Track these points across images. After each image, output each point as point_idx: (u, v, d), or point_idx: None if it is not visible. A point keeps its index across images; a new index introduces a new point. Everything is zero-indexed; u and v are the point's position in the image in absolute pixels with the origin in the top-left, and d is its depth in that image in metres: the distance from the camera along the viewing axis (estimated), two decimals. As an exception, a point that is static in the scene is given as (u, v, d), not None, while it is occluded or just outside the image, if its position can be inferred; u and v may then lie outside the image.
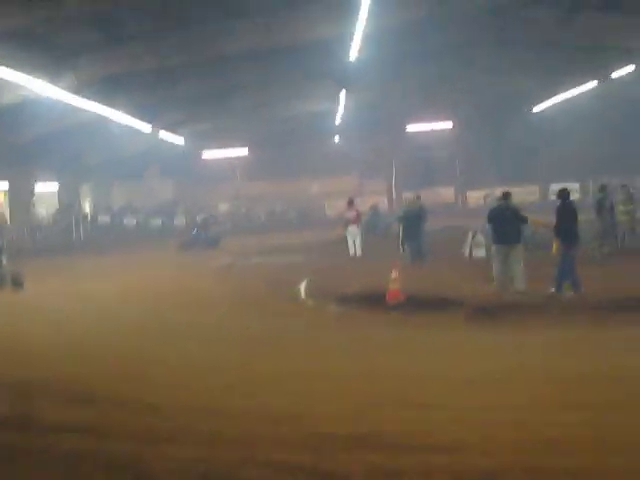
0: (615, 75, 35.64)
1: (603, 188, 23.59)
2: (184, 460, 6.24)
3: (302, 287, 19.45)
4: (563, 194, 16.64)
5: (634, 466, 5.81)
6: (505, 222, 16.84)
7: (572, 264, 16.05)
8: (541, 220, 17.99)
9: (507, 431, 6.76)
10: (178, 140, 49.25)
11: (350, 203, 27.92)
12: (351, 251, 26.68)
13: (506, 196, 17.40)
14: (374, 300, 16.19)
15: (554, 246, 16.22)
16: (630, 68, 34.06)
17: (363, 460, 6.08)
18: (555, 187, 37.57)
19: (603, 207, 22.53)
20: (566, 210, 16.32)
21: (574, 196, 18.80)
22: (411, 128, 56.22)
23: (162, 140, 46.51)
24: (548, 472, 5.74)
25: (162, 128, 43.81)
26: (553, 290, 15.95)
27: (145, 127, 40.33)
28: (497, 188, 32.56)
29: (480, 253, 22.64)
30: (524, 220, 17.21)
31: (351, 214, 27.25)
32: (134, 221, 51.21)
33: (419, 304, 15.53)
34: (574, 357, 10.19)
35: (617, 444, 6.28)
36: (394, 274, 16.12)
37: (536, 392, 8.17)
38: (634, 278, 17.18)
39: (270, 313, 16.19)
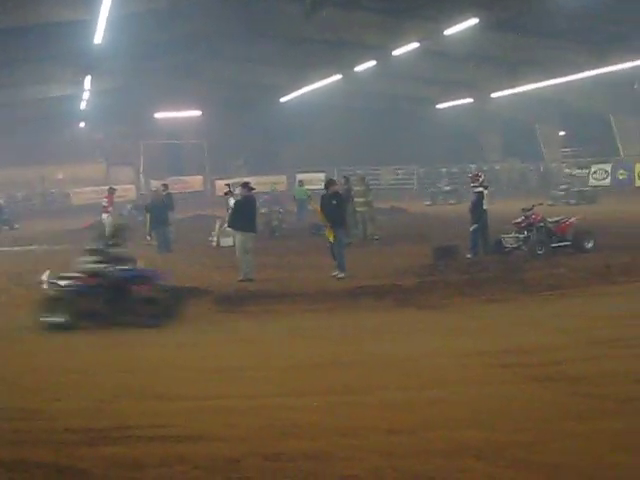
0: (358, 69, 37.03)
1: (346, 180, 24.51)
2: None
3: (45, 277, 18.76)
4: (334, 184, 17.95)
5: (367, 446, 6.13)
6: (248, 211, 17.29)
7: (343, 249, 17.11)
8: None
9: (247, 418, 6.93)
10: None
11: (111, 191, 27.88)
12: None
13: (247, 186, 17.85)
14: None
15: (330, 234, 16.81)
16: (372, 63, 35.58)
17: (103, 454, 6.04)
18: (301, 177, 38.77)
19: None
20: (340, 199, 17.55)
21: (319, 186, 19.48)
22: (160, 115, 55.55)
23: None
24: (287, 456, 5.94)
25: None
26: (340, 274, 16.56)
27: None
28: (245, 177, 32.86)
29: (227, 242, 22.83)
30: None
31: (105, 202, 27.29)
32: None
33: (166, 294, 15.44)
34: (317, 343, 10.56)
35: (349, 427, 6.60)
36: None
37: (276, 379, 8.42)
38: (372, 266, 18.06)
39: (14, 305, 15.55)
